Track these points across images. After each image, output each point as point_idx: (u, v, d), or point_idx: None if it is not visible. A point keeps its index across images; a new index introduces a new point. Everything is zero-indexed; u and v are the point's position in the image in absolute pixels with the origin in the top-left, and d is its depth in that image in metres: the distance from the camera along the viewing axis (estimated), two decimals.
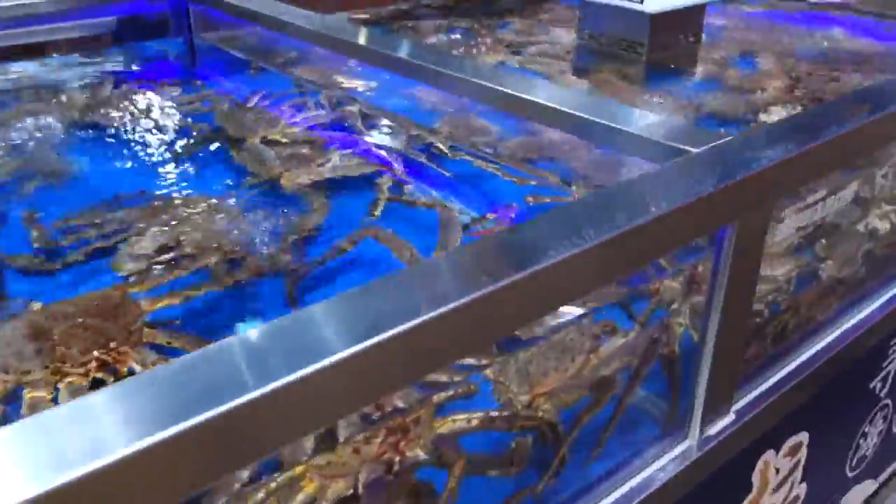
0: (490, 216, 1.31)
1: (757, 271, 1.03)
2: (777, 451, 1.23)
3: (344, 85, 1.75)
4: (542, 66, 2.04)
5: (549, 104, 1.18)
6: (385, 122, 1.63)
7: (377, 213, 1.34)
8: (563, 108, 1.16)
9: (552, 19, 2.48)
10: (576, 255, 0.68)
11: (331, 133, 1.59)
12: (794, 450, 1.29)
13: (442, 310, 0.58)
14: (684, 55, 2.11)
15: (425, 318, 0.57)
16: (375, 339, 0.55)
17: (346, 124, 1.64)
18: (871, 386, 1.51)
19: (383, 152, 1.53)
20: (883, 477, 1.78)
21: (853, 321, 1.37)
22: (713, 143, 1.01)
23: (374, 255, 1.22)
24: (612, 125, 1.09)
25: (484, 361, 0.97)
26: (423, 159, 1.52)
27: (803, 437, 1.30)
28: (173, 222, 1.26)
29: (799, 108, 1.73)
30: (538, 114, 1.20)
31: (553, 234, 0.70)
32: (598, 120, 1.11)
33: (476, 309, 0.61)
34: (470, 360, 0.96)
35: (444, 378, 0.90)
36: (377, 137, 1.60)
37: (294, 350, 0.53)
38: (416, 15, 2.56)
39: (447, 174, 1.49)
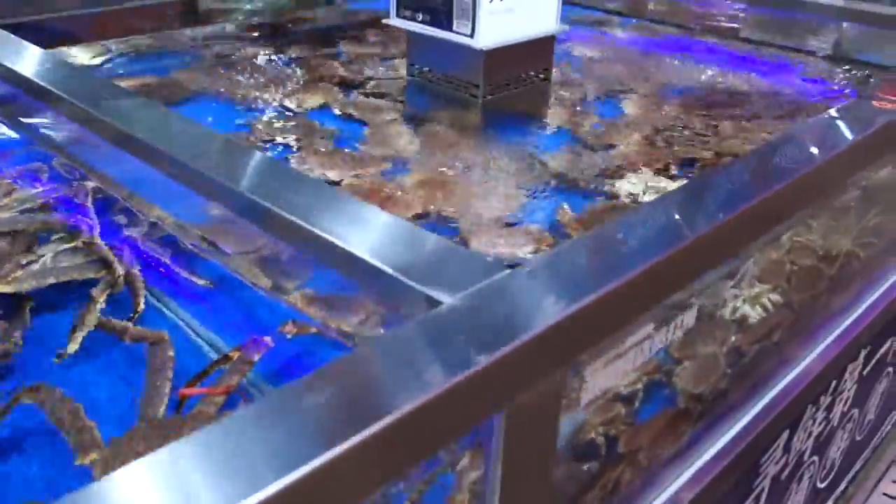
0: (234, 353, 0.94)
1: (548, 465, 0.71)
2: None
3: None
4: (365, 113, 1.68)
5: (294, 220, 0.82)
6: (124, 203, 1.24)
7: (72, 347, 0.95)
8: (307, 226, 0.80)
9: (388, 44, 2.13)
10: None
11: (46, 217, 1.19)
12: None
13: None
14: (531, 97, 1.79)
15: None
16: None
17: (75, 202, 1.24)
18: None
19: (110, 249, 1.14)
20: None
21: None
22: (481, 285, 0.67)
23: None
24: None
25: None
26: (166, 259, 1.14)
27: None
28: None
29: (656, 178, 1.43)
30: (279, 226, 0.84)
31: None
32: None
33: None
34: None
35: None
36: (111, 225, 1.20)
37: None
38: (240, 37, 2.17)
39: (200, 282, 1.11)
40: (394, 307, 0.72)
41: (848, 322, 1.49)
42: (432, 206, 1.34)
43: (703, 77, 1.99)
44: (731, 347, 1.24)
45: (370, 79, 1.87)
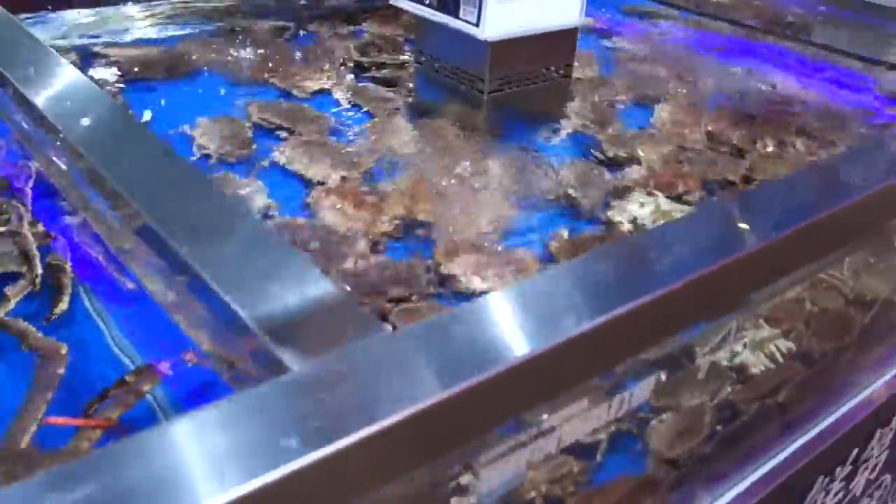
0: (131, 378, 0.84)
1: None
2: None
3: None
4: (370, 104, 1.56)
5: None
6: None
7: None
8: None
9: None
10: None
11: None
12: None
13: None
14: (545, 96, 1.63)
15: None
16: None
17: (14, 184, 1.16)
18: None
19: (47, 238, 1.06)
20: None
21: None
22: (343, 349, 0.55)
23: None
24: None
25: None
26: (100, 256, 1.05)
27: None
28: None
29: (669, 205, 1.26)
30: None
31: None
32: None
33: None
34: None
35: None
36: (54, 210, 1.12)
37: None
38: (258, 9, 2.06)
39: (129, 284, 1.02)
40: (242, 359, 0.60)
41: (881, 382, 1.31)
42: (412, 219, 1.21)
43: (759, 86, 1.78)
44: (722, 402, 1.08)
45: (384, 65, 1.74)
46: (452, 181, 1.28)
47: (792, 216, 0.79)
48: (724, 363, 1.10)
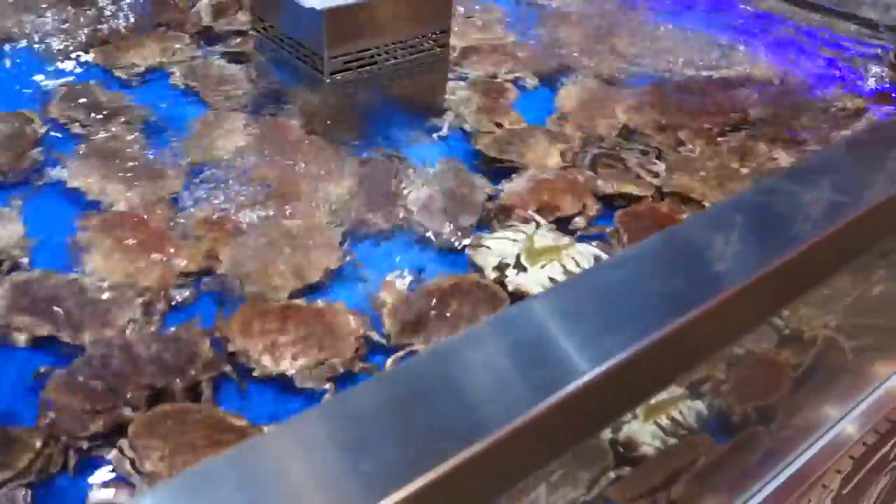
0: None
1: None
2: None
3: None
4: (207, 88, 1.24)
5: None
6: None
7: None
8: None
9: None
10: None
11: None
12: None
13: None
14: (411, 77, 1.29)
15: None
16: None
17: None
18: None
19: None
20: None
21: None
22: None
23: None
24: None
25: None
26: None
27: None
28: None
29: (551, 237, 0.97)
30: None
31: None
32: None
33: None
34: None
35: None
36: None
37: None
38: None
39: None
40: None
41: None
42: (209, 268, 0.93)
43: (700, 55, 1.45)
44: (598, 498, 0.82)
45: (239, 32, 1.41)
46: (271, 212, 0.99)
47: None
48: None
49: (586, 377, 0.46)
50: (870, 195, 0.68)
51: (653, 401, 0.87)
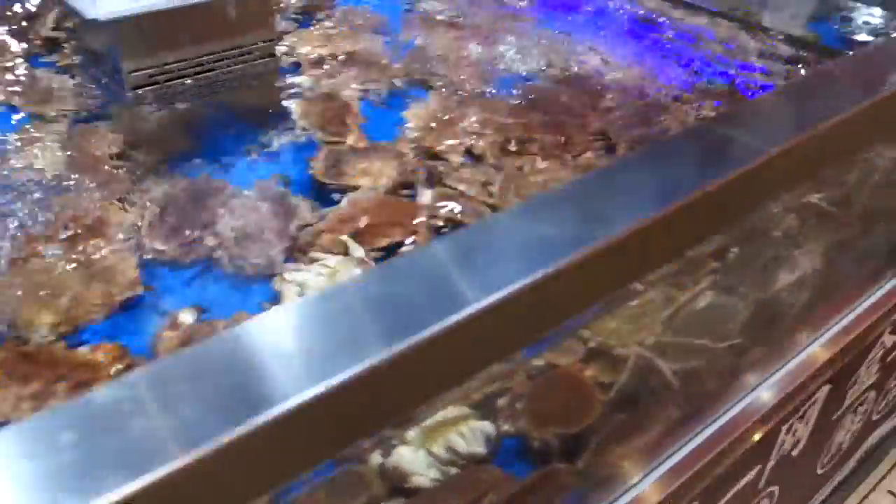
0: None
1: None
2: None
3: None
4: (31, 105, 1.15)
5: None
6: None
7: None
8: None
9: None
10: None
11: None
12: None
13: None
14: (231, 92, 1.19)
15: None
16: None
17: None
18: None
19: None
20: None
21: None
22: None
23: None
24: None
25: None
26: None
27: None
28: None
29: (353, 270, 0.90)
30: None
31: None
32: None
33: None
34: None
35: None
36: None
37: None
38: None
39: None
40: None
41: None
42: None
43: (572, 60, 1.38)
44: None
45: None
46: (55, 250, 0.91)
47: None
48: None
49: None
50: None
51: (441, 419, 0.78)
